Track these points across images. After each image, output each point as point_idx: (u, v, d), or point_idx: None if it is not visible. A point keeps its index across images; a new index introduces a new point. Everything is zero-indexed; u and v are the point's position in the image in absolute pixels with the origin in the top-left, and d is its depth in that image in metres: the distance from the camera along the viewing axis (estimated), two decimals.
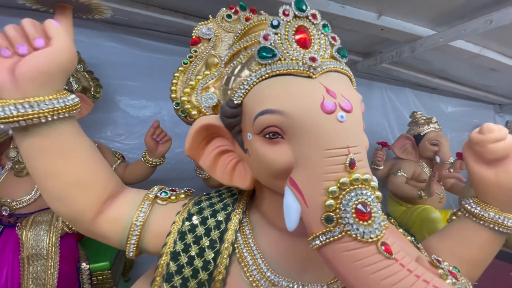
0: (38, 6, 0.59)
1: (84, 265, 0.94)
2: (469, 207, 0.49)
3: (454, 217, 0.54)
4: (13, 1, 0.69)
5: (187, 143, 0.41)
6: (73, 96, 0.39)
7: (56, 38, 0.36)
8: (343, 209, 0.30)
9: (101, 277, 0.98)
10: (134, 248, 0.41)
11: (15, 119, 0.34)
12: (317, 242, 0.31)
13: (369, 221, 0.30)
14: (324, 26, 0.39)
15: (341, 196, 0.30)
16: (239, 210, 0.43)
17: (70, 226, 0.88)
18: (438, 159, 1.59)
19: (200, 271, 0.38)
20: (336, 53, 0.39)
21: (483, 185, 0.47)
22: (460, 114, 2.43)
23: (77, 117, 0.98)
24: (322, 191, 0.31)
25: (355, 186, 0.31)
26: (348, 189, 0.30)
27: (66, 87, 1.04)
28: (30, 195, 0.93)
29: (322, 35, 0.38)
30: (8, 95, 0.34)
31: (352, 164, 0.31)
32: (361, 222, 0.29)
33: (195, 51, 0.48)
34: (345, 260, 0.30)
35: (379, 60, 1.51)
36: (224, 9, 0.53)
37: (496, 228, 0.47)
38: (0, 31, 0.36)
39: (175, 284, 0.38)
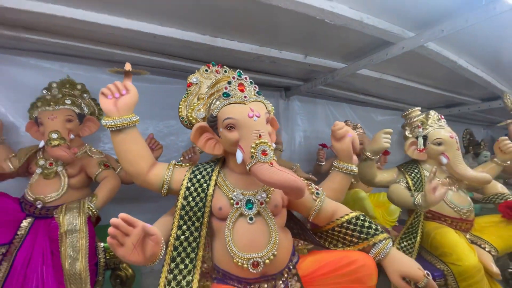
0: (114, 72, 0.96)
1: (101, 244, 1.25)
2: (334, 164, 0.97)
3: (330, 171, 1.01)
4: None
5: (191, 135, 0.82)
6: (136, 116, 0.79)
7: (131, 90, 0.77)
8: (257, 152, 0.72)
9: (112, 253, 1.29)
10: (166, 190, 0.80)
11: (117, 126, 0.74)
12: (248, 166, 0.72)
13: (267, 155, 0.72)
14: (251, 82, 0.85)
15: (256, 147, 0.72)
16: (217, 166, 0.86)
17: (93, 210, 1.21)
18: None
19: (199, 197, 0.78)
20: (256, 93, 0.84)
21: (337, 151, 0.95)
22: (388, 121, 3.10)
23: (88, 133, 1.36)
24: (250, 147, 0.73)
25: (261, 143, 0.73)
26: (259, 143, 0.73)
27: (80, 112, 1.40)
28: (58, 192, 1.24)
29: (250, 86, 0.84)
30: (113, 115, 0.74)
31: (260, 136, 0.75)
32: (263, 156, 0.72)
33: (189, 90, 0.91)
34: (259, 170, 0.71)
35: (314, 84, 2.05)
36: (203, 66, 0.97)
37: (343, 171, 0.94)
38: (105, 91, 0.76)
39: (186, 208, 0.77)
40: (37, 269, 1.11)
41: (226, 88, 0.81)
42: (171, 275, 0.72)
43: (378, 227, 0.82)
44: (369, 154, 1.31)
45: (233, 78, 0.82)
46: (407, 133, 1.45)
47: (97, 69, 1.69)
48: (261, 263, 0.73)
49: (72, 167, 1.30)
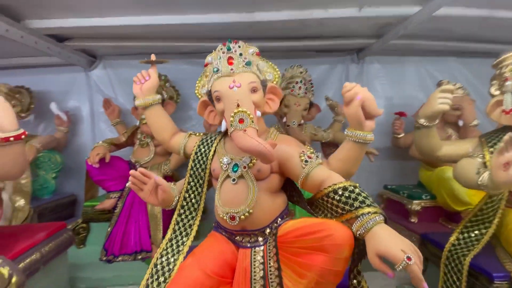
0: (144, 63, 1.26)
1: None
2: (345, 131, 0.87)
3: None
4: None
5: (197, 109, 0.98)
6: (158, 96, 1.02)
7: (151, 76, 1.00)
8: (234, 120, 0.77)
9: None
10: (182, 153, 1.01)
11: (142, 105, 0.99)
12: (230, 131, 0.79)
13: (243, 124, 0.76)
14: (240, 54, 0.88)
15: (234, 116, 0.78)
16: (220, 136, 0.98)
17: (168, 171, 1.62)
18: (461, 122, 1.68)
19: (202, 160, 0.94)
20: (245, 64, 0.87)
21: (346, 117, 0.84)
22: None
23: (168, 113, 1.73)
24: (229, 116, 0.79)
25: (239, 111, 0.78)
26: (237, 112, 0.78)
27: (161, 96, 1.81)
28: (148, 157, 1.73)
29: (239, 58, 0.88)
30: (140, 97, 0.99)
31: (238, 105, 0.79)
32: (240, 124, 0.77)
33: (205, 70, 1.04)
34: (234, 136, 0.77)
35: (384, 40, 1.73)
36: (220, 45, 1.08)
37: (352, 139, 0.83)
38: (135, 79, 1.02)
39: (193, 169, 0.95)
40: (136, 209, 1.62)
41: (216, 63, 0.89)
42: (179, 218, 0.94)
43: (368, 200, 0.71)
44: (422, 120, 1.05)
45: (223, 52, 0.89)
46: (493, 89, 1.03)
47: (177, 61, 2.09)
48: (237, 217, 0.81)
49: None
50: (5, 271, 0.81)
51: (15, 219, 1.66)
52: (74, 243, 1.27)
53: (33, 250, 1.03)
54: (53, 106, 1.98)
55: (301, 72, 1.72)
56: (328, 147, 1.90)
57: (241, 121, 0.78)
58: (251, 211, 0.81)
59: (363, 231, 0.67)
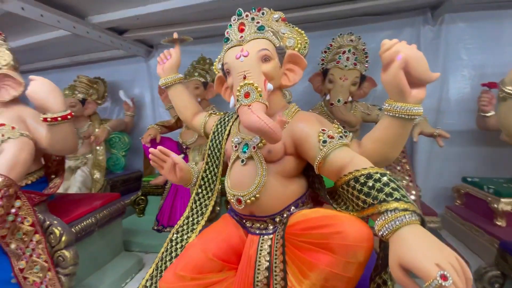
0: (166, 43, 1.28)
1: None
2: (384, 105, 0.66)
3: None
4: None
5: (214, 86, 0.93)
6: (179, 75, 1.01)
7: (172, 55, 0.99)
8: (240, 94, 0.69)
9: None
10: (203, 132, 0.99)
11: (163, 84, 1.00)
12: (236, 107, 0.71)
13: (248, 97, 0.68)
14: (252, 19, 0.77)
15: (240, 89, 0.69)
16: (235, 115, 0.91)
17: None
18: None
19: (218, 140, 0.90)
20: (257, 29, 0.76)
21: (384, 85, 0.64)
22: None
23: (211, 96, 1.78)
24: (237, 90, 0.71)
25: (245, 84, 0.69)
26: (243, 85, 0.69)
27: (204, 80, 1.85)
28: (192, 138, 1.81)
29: (251, 23, 0.77)
30: (161, 76, 1.00)
31: (244, 77, 0.70)
32: (245, 98, 0.68)
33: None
34: (240, 112, 0.69)
35: None
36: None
37: (390, 113, 0.63)
38: (158, 59, 1.03)
39: (211, 148, 0.92)
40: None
41: (227, 32, 0.81)
42: (197, 197, 0.93)
43: (400, 193, 0.54)
44: (509, 88, 0.75)
45: (233, 20, 0.80)
46: None
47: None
48: (243, 201, 0.75)
49: None
50: (58, 231, 0.96)
51: (93, 188, 2.01)
52: (124, 212, 1.43)
53: (89, 216, 1.20)
54: (122, 94, 2.26)
55: (351, 41, 1.47)
56: None
57: (246, 95, 0.70)
58: (257, 195, 0.74)
59: (386, 232, 0.52)
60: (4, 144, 0.93)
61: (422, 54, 0.60)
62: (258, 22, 0.78)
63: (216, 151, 0.91)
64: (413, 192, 1.43)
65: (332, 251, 0.56)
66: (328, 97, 1.49)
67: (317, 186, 0.82)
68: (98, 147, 2.12)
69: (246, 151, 0.78)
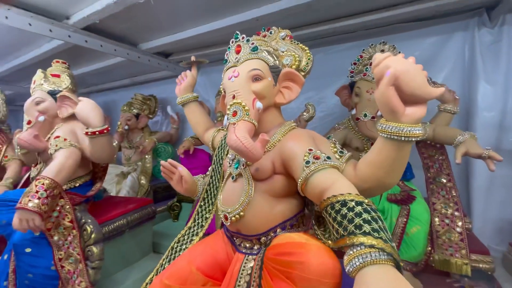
0: (184, 66, 1.38)
1: None
2: (377, 125, 0.59)
3: None
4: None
5: (220, 105, 0.98)
6: (194, 94, 1.10)
7: (188, 76, 1.09)
8: (229, 112, 0.71)
9: None
10: (211, 146, 1.04)
11: (179, 103, 1.10)
12: (230, 122, 0.72)
13: (235, 117, 0.70)
14: (247, 40, 0.80)
15: (230, 108, 0.72)
16: None
17: None
18: None
19: (220, 155, 0.93)
20: (251, 50, 0.78)
21: (377, 102, 0.58)
22: None
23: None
24: (227, 109, 0.73)
25: (234, 103, 0.71)
26: (232, 104, 0.71)
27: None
28: None
29: (246, 44, 0.79)
30: (178, 96, 1.11)
31: (233, 97, 0.72)
32: (233, 117, 0.70)
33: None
34: (228, 130, 0.71)
35: None
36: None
37: (383, 134, 0.56)
38: (177, 80, 1.14)
39: (215, 163, 0.96)
40: None
41: (226, 54, 0.85)
42: (200, 209, 0.97)
43: (371, 226, 0.46)
44: None
45: (231, 42, 0.84)
46: None
47: None
48: (229, 218, 0.75)
49: None
50: (89, 228, 1.12)
51: (139, 192, 2.26)
52: (155, 217, 1.58)
53: (122, 217, 1.36)
54: (169, 109, 2.53)
55: (382, 51, 1.36)
56: (426, 148, 1.42)
57: (234, 114, 0.72)
58: (241, 213, 0.74)
59: (351, 269, 0.47)
60: (56, 153, 1.15)
61: (418, 68, 0.54)
62: (252, 44, 0.80)
63: (218, 165, 0.95)
64: (459, 223, 1.21)
65: (293, 282, 0.52)
66: (354, 112, 1.40)
67: (310, 207, 0.78)
68: (146, 156, 2.40)
69: (237, 168, 0.80)
